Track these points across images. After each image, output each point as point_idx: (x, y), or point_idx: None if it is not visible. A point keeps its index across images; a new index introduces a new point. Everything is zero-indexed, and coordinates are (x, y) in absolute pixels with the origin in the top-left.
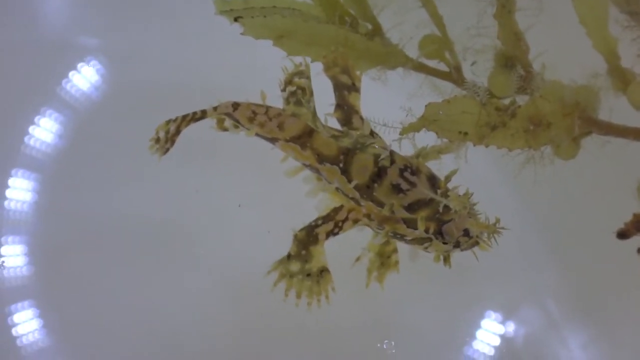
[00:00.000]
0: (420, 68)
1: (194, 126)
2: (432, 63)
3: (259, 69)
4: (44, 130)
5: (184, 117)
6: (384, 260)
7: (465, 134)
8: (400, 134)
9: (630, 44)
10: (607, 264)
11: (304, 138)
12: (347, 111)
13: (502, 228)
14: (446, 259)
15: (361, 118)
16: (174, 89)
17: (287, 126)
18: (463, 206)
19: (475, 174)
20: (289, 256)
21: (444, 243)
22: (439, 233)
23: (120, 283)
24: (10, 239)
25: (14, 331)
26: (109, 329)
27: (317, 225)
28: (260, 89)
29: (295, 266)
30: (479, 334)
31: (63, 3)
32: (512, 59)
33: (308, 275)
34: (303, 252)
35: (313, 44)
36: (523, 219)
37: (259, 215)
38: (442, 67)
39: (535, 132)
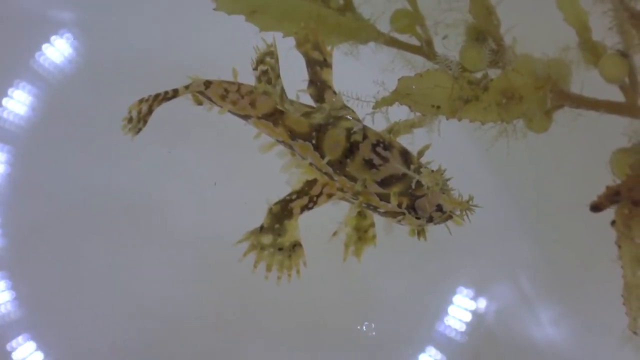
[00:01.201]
0: (392, 42)
1: (168, 103)
2: (403, 37)
3: (232, 44)
4: (17, 103)
5: (156, 96)
6: (360, 234)
7: (438, 107)
8: (374, 107)
9: (601, 17)
10: (579, 237)
11: (276, 115)
12: (319, 87)
13: (475, 205)
14: (420, 233)
15: (334, 92)
16: (147, 63)
17: (259, 104)
18: (435, 183)
19: (448, 147)
20: (261, 228)
21: (417, 218)
22: (412, 208)
23: (93, 256)
24: None
25: None
26: (82, 302)
27: (291, 200)
28: (232, 66)
29: (267, 239)
30: (451, 309)
31: None
32: (483, 32)
33: (280, 249)
34: (277, 225)
35: (285, 19)
36: (496, 192)
37: (234, 191)
38: (414, 41)
39: (507, 106)
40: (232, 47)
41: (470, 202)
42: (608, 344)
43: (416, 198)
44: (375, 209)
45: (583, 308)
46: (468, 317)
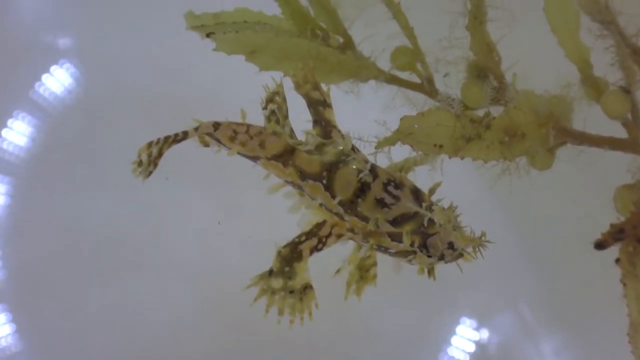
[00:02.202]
0: (393, 80)
1: None
2: (404, 75)
3: (233, 76)
4: (17, 134)
5: (166, 138)
6: (362, 273)
7: (441, 146)
8: (376, 147)
9: (603, 53)
10: (580, 272)
11: (286, 156)
12: (324, 127)
13: (488, 242)
14: (430, 272)
15: (339, 132)
16: (147, 93)
17: (268, 144)
18: (448, 220)
19: (451, 185)
20: (270, 272)
21: (429, 256)
22: (424, 246)
23: (94, 289)
24: None
25: None
26: (83, 335)
27: (300, 242)
28: (235, 101)
29: (277, 283)
30: (454, 340)
31: (34, 2)
32: (484, 69)
33: (291, 292)
34: (286, 268)
35: (285, 58)
36: (499, 228)
37: (239, 228)
38: (415, 78)
39: (510, 143)
40: (233, 82)
41: (483, 238)
42: None
43: (428, 236)
44: (386, 250)
45: (586, 341)
46: (471, 348)
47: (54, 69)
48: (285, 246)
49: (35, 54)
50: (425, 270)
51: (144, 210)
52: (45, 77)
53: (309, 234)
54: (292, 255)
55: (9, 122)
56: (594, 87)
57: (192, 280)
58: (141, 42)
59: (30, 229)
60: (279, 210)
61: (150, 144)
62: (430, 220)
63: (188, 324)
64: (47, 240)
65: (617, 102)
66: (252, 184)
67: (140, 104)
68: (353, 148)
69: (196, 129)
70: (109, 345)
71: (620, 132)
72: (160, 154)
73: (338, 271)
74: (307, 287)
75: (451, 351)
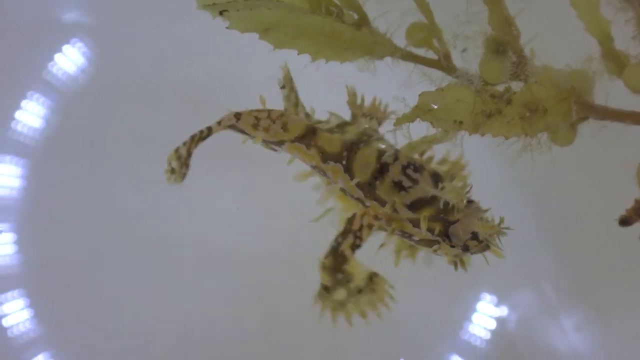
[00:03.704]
0: (409, 57)
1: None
2: (420, 51)
3: (247, 58)
4: (31, 115)
5: (192, 138)
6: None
7: (461, 123)
8: (395, 125)
9: (624, 26)
10: (602, 248)
11: (308, 137)
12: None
13: (507, 228)
14: (461, 263)
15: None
16: (160, 71)
17: (290, 126)
18: (459, 198)
19: (471, 163)
20: (325, 288)
21: (452, 246)
22: (446, 235)
23: (111, 272)
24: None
25: (4, 322)
26: (100, 318)
27: (338, 244)
28: (249, 82)
29: (340, 294)
30: (475, 317)
31: None
32: (503, 44)
33: (359, 291)
34: (339, 275)
35: (300, 36)
36: (520, 206)
37: (257, 217)
38: (432, 55)
39: (531, 119)
40: (246, 63)
41: (502, 225)
42: (633, 350)
43: (449, 224)
44: (409, 236)
45: (607, 315)
46: (492, 325)
47: (66, 48)
48: (326, 257)
49: (48, 33)
50: (455, 262)
51: (158, 193)
52: (58, 57)
53: (343, 234)
54: (337, 261)
55: (23, 103)
56: (615, 60)
57: (217, 267)
58: (154, 22)
59: (46, 212)
60: (296, 194)
61: (177, 150)
62: (448, 206)
63: (210, 313)
64: (64, 224)
65: (639, 76)
66: (268, 169)
67: (154, 83)
68: (377, 132)
69: (219, 123)
70: (125, 330)
71: None
72: (189, 154)
73: (382, 245)
74: (372, 277)
75: (472, 328)
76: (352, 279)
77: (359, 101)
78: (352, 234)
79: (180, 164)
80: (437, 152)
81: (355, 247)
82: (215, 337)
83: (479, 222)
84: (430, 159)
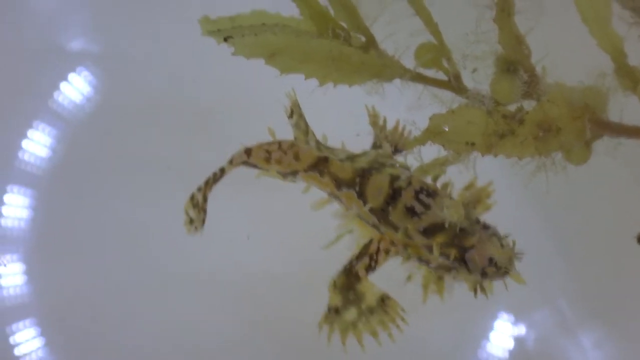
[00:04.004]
0: (418, 78)
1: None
2: (430, 73)
3: (253, 81)
4: (37, 144)
5: (206, 183)
6: (440, 273)
7: (473, 144)
8: (406, 148)
9: (637, 41)
10: (618, 265)
11: (321, 165)
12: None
13: (521, 253)
14: (482, 289)
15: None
16: (166, 98)
17: (302, 155)
18: (458, 214)
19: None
20: (335, 310)
21: (469, 272)
22: (463, 261)
23: (121, 300)
24: (7, 257)
25: (15, 351)
26: (111, 346)
27: (352, 265)
28: (256, 106)
29: (350, 314)
30: (492, 336)
31: (50, 8)
32: (514, 63)
33: (371, 312)
34: (350, 294)
35: (307, 60)
36: (536, 226)
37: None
38: (441, 76)
39: (545, 139)
40: (253, 87)
41: (515, 250)
42: None
43: (465, 250)
44: (427, 262)
45: (624, 332)
46: (510, 345)
47: (71, 76)
48: (338, 276)
49: (53, 62)
50: (475, 288)
51: (168, 219)
52: (63, 85)
53: (358, 256)
54: (349, 280)
55: (29, 132)
56: (629, 76)
57: (228, 294)
58: (158, 47)
59: (54, 242)
60: (308, 220)
61: (192, 198)
62: (464, 232)
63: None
64: (73, 252)
65: None
66: (279, 195)
67: (160, 110)
68: (391, 157)
69: (231, 162)
70: (135, 358)
71: None
72: (205, 199)
73: (409, 277)
74: (384, 299)
75: (490, 347)
76: (363, 299)
77: (381, 122)
78: (368, 256)
79: (198, 210)
80: (463, 178)
81: (369, 269)
82: None
83: (495, 248)
84: (447, 185)
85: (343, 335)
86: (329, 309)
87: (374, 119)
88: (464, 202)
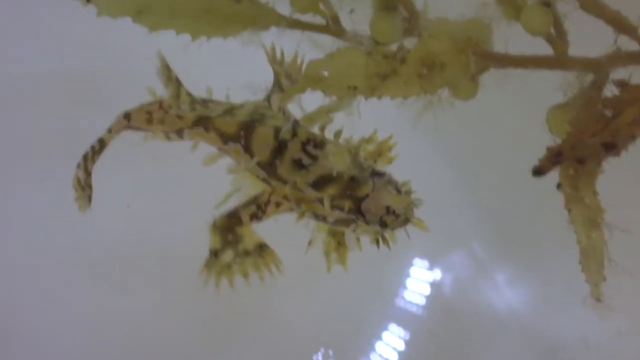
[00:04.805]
0: (296, 25)
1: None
2: (307, 17)
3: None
4: None
5: (84, 157)
6: (339, 239)
7: (355, 88)
8: (282, 100)
9: None
10: (524, 200)
11: (205, 120)
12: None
13: (418, 200)
14: (384, 240)
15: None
16: (45, 65)
17: (184, 112)
18: (343, 160)
19: (371, 128)
20: (214, 253)
21: (367, 223)
22: (359, 212)
23: (29, 285)
24: None
25: None
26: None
27: (237, 210)
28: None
29: (227, 255)
30: (409, 283)
31: None
32: (392, 0)
33: (247, 253)
34: (229, 236)
35: (175, 15)
36: (433, 167)
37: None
38: (319, 20)
39: (429, 76)
40: (126, 52)
41: (411, 196)
42: (565, 297)
43: (360, 200)
44: (324, 218)
45: (538, 268)
46: (426, 290)
47: None
48: (220, 217)
49: None
50: (376, 240)
51: (58, 196)
52: None
53: (246, 203)
54: (230, 222)
55: None
56: (511, 4)
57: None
58: (35, 15)
59: None
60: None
61: (76, 173)
62: (355, 181)
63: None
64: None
65: (538, 18)
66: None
67: (37, 78)
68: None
69: (110, 131)
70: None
71: (545, 49)
72: (88, 174)
73: (310, 243)
74: (262, 246)
75: (407, 295)
76: (241, 241)
77: (278, 56)
78: (256, 205)
79: (82, 187)
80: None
81: (254, 217)
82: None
83: (390, 196)
84: (339, 132)
85: (217, 279)
86: (210, 253)
87: (272, 54)
88: (348, 148)
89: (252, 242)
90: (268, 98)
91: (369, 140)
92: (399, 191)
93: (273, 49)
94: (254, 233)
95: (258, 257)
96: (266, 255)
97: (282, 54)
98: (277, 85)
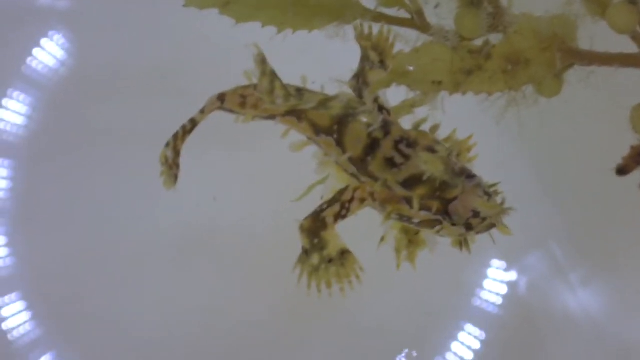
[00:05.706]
0: (380, 18)
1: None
2: (392, 11)
3: (226, 40)
4: (13, 113)
5: (175, 136)
6: (411, 237)
7: (440, 83)
8: (370, 92)
9: None
10: (604, 200)
11: (298, 110)
12: (360, 84)
13: (509, 208)
14: (465, 244)
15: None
16: (138, 59)
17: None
18: (437, 169)
19: (455, 125)
20: (306, 251)
21: (453, 224)
22: (446, 213)
23: (105, 268)
24: None
25: (3, 325)
26: (100, 314)
27: (322, 210)
28: (232, 64)
29: (315, 258)
30: (486, 284)
31: None
32: None
33: (330, 261)
34: (315, 240)
35: (262, 7)
36: (515, 165)
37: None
38: (404, 14)
39: (514, 72)
40: (226, 47)
41: (504, 205)
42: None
43: (448, 202)
44: (409, 219)
45: (614, 270)
46: (503, 290)
47: (44, 41)
48: (306, 218)
49: (25, 26)
50: (459, 242)
51: (143, 186)
52: (36, 51)
53: (330, 202)
54: (315, 225)
55: (4, 101)
56: (597, 1)
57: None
58: (130, 7)
59: (36, 212)
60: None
61: (164, 151)
62: (445, 183)
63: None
64: (55, 222)
65: (623, 15)
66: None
67: (135, 71)
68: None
69: (202, 111)
70: (125, 326)
71: (631, 47)
72: (177, 153)
73: (382, 239)
74: (344, 252)
75: (484, 294)
76: (326, 247)
77: (366, 31)
78: (340, 203)
79: (169, 165)
80: (443, 128)
81: (339, 216)
82: (217, 326)
83: (479, 200)
84: (435, 127)
85: (309, 279)
86: (302, 250)
87: (360, 30)
88: (443, 156)
89: (336, 248)
90: (357, 76)
91: (447, 139)
92: (488, 195)
93: (361, 24)
94: (338, 238)
95: (340, 266)
96: (348, 264)
97: (370, 28)
98: (366, 60)
